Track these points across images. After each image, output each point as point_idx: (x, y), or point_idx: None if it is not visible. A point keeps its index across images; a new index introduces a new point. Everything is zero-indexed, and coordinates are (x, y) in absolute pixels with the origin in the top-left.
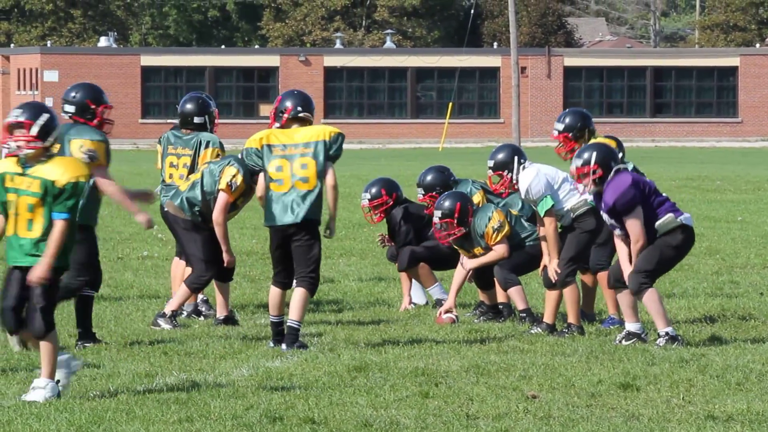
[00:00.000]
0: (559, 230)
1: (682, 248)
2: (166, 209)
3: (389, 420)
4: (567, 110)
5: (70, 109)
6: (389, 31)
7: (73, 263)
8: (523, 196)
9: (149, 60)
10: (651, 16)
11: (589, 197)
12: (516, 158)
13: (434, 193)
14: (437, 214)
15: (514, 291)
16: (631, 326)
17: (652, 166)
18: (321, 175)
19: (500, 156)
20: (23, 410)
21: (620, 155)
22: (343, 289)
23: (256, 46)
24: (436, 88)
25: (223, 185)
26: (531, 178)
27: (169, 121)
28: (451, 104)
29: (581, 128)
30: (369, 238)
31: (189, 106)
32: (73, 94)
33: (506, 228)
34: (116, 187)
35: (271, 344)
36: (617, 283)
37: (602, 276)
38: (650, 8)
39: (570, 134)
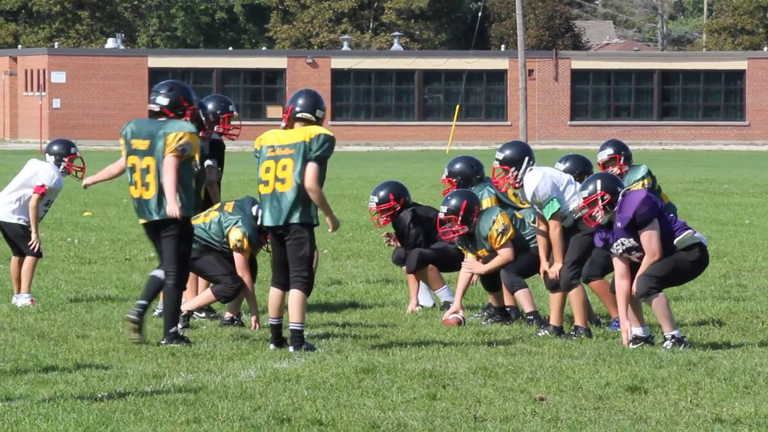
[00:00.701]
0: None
1: (698, 266)
2: None
3: (397, 422)
4: (571, 154)
5: (164, 101)
6: (396, 33)
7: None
8: (528, 199)
9: (156, 61)
10: (658, 20)
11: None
12: (526, 159)
13: (454, 180)
14: (443, 209)
15: (521, 294)
16: (637, 330)
17: (659, 170)
18: (298, 177)
19: (510, 152)
20: (31, 411)
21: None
22: (350, 290)
23: (264, 48)
24: (443, 91)
25: (231, 246)
26: (537, 180)
27: None
28: (458, 107)
29: (580, 173)
30: (376, 239)
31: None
32: (168, 89)
33: (510, 231)
34: (174, 181)
35: (272, 347)
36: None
37: (595, 285)
38: (658, 11)
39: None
